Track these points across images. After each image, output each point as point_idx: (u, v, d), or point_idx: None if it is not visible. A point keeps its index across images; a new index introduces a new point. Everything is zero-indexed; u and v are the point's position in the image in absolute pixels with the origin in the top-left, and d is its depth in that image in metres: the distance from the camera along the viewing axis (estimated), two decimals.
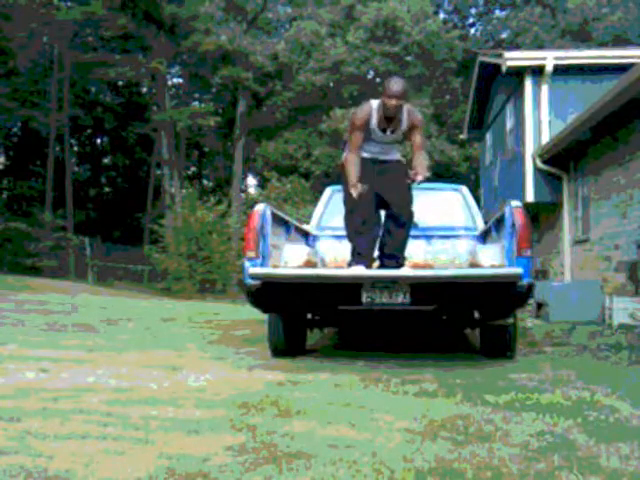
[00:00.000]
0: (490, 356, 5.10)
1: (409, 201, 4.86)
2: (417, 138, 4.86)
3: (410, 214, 4.90)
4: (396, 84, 4.59)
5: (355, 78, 26.59)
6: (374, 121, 4.71)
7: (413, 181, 4.61)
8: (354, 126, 4.74)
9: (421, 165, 4.68)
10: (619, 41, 23.96)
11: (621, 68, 9.91)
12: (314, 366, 4.60)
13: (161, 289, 20.04)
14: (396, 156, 5.01)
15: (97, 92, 31.75)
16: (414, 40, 25.78)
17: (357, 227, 4.78)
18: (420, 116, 4.95)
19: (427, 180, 4.73)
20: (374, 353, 5.34)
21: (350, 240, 4.87)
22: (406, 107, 4.72)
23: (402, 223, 4.87)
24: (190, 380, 3.96)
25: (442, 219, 6.29)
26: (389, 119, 4.71)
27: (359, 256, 4.74)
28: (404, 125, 4.78)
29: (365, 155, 4.81)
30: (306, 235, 5.97)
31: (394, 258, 4.90)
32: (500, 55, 12.84)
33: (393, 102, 4.56)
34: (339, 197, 6.02)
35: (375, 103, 4.73)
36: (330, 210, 6.31)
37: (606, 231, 9.79)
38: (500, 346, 5.04)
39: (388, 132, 4.78)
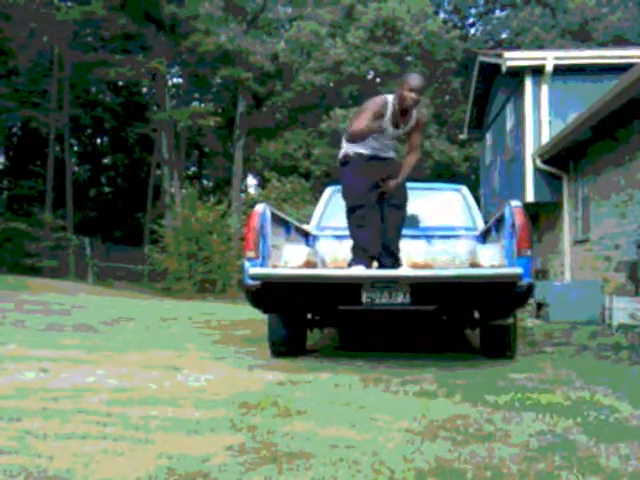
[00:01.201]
0: (490, 356, 5.09)
1: (404, 193, 5.01)
2: (416, 138, 4.96)
3: (405, 198, 5.00)
4: (416, 79, 4.65)
5: (355, 78, 26.59)
6: (388, 115, 4.72)
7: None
8: (368, 112, 4.61)
9: (403, 170, 4.91)
10: (619, 41, 23.96)
11: (621, 68, 9.92)
12: (314, 366, 4.60)
13: (161, 289, 20.03)
14: (392, 154, 5.05)
15: (97, 92, 31.76)
16: (414, 40, 25.78)
17: (358, 221, 4.80)
18: (425, 115, 5.01)
19: (425, 180, 4.82)
20: (374, 353, 5.34)
21: (352, 236, 4.87)
22: None
23: (398, 205, 4.95)
24: (190, 380, 3.96)
25: (442, 219, 6.29)
26: (403, 115, 4.74)
27: (364, 252, 4.75)
28: (412, 122, 4.83)
29: (367, 152, 4.82)
30: (306, 235, 5.97)
31: (392, 255, 4.92)
32: (500, 55, 12.86)
33: (413, 96, 4.61)
34: (339, 197, 6.04)
35: (390, 97, 4.75)
36: (330, 210, 6.31)
37: (606, 231, 9.79)
38: (500, 346, 5.04)
39: (401, 127, 4.82)
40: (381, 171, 4.86)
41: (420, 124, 4.93)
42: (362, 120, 4.61)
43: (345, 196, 4.92)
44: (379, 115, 4.67)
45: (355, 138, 4.70)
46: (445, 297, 4.43)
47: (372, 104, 4.69)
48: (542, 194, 12.08)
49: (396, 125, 4.80)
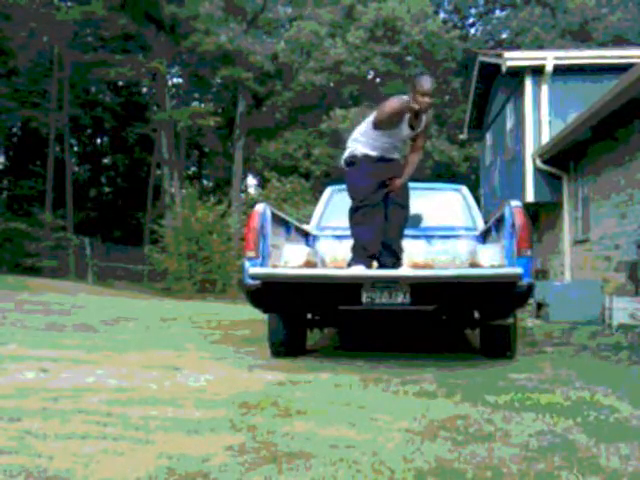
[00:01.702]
0: (490, 356, 5.09)
1: (407, 192, 5.06)
2: (421, 139, 5.02)
3: (408, 198, 5.04)
4: (428, 82, 4.66)
5: (355, 78, 26.59)
6: (406, 116, 4.75)
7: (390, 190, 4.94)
8: (393, 111, 4.60)
9: (407, 169, 4.95)
10: (619, 41, 23.96)
11: (621, 68, 9.92)
12: (314, 366, 4.60)
13: (161, 289, 20.04)
14: (397, 155, 5.06)
15: (97, 92, 31.76)
16: (414, 40, 25.78)
17: (359, 219, 4.81)
18: (431, 116, 5.04)
19: (425, 180, 4.86)
20: (374, 353, 5.34)
21: (353, 235, 4.88)
22: None
23: (402, 204, 4.99)
24: (190, 380, 3.96)
25: (442, 219, 6.29)
26: (416, 117, 4.78)
27: (364, 251, 4.76)
28: (422, 124, 4.85)
29: (374, 153, 4.84)
30: (306, 235, 5.97)
31: (393, 254, 4.92)
32: (500, 55, 12.86)
33: (426, 99, 4.64)
34: (339, 197, 6.04)
35: (406, 98, 4.75)
36: (330, 210, 6.31)
37: (606, 231, 9.79)
38: (500, 346, 5.04)
39: (416, 129, 4.86)
40: (387, 172, 4.90)
41: (427, 126, 4.99)
42: (391, 104, 4.59)
43: (352, 196, 4.93)
44: (399, 118, 4.69)
45: (382, 123, 4.68)
46: (445, 297, 4.43)
47: (395, 100, 4.67)
48: (542, 194, 12.08)
49: (411, 127, 4.84)
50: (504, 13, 30.94)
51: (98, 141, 36.52)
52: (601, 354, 5.44)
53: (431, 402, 3.37)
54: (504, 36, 29.65)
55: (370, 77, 28.78)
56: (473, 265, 5.48)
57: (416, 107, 4.63)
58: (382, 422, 2.92)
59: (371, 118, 4.84)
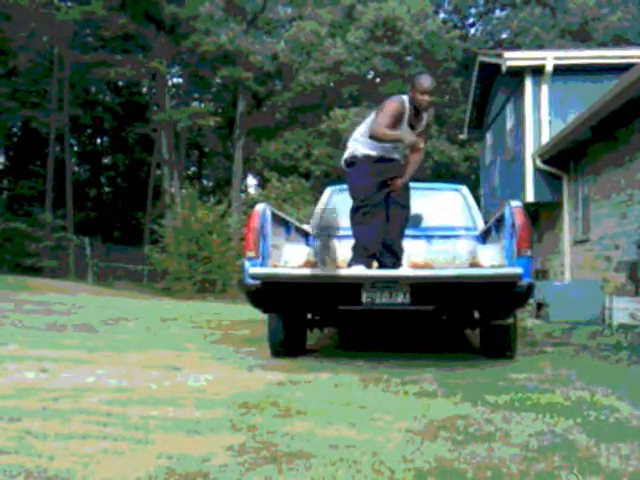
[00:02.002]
0: (490, 356, 5.09)
1: (408, 192, 5.07)
2: (421, 140, 4.96)
3: (409, 198, 5.05)
4: (427, 80, 4.66)
5: (355, 78, 26.61)
6: (406, 117, 4.75)
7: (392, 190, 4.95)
8: (391, 117, 4.62)
9: (408, 170, 4.95)
10: (619, 41, 23.97)
11: (621, 68, 9.92)
12: (314, 366, 4.60)
13: (161, 289, 20.04)
14: (397, 155, 5.06)
15: (97, 92, 31.78)
16: (414, 40, 25.80)
17: (360, 219, 4.81)
18: (431, 114, 5.04)
19: (425, 180, 4.85)
20: (374, 353, 5.34)
21: (354, 234, 4.88)
22: None
23: (403, 204, 4.99)
24: (190, 380, 3.96)
25: (442, 219, 6.29)
26: (417, 116, 4.78)
27: (365, 251, 4.76)
28: (424, 123, 4.85)
29: (374, 153, 4.84)
30: (306, 235, 5.97)
31: (394, 254, 4.92)
32: (500, 55, 12.85)
33: (426, 98, 4.65)
34: (339, 197, 6.04)
35: (406, 98, 4.75)
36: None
37: (606, 231, 9.79)
38: (500, 346, 5.04)
39: (416, 128, 4.86)
40: (387, 172, 4.90)
41: (428, 124, 4.99)
42: (385, 126, 4.60)
43: (352, 196, 4.93)
44: (399, 118, 4.69)
45: (373, 139, 4.71)
46: (445, 297, 4.43)
47: (393, 107, 4.67)
48: (542, 194, 12.08)
49: (411, 126, 4.83)
50: (504, 13, 30.96)
51: (98, 141, 36.54)
52: (601, 354, 5.44)
53: (431, 402, 3.37)
54: (504, 36, 29.66)
55: (370, 77, 28.80)
56: (473, 265, 5.48)
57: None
58: (382, 422, 2.92)
59: (371, 118, 4.84)
